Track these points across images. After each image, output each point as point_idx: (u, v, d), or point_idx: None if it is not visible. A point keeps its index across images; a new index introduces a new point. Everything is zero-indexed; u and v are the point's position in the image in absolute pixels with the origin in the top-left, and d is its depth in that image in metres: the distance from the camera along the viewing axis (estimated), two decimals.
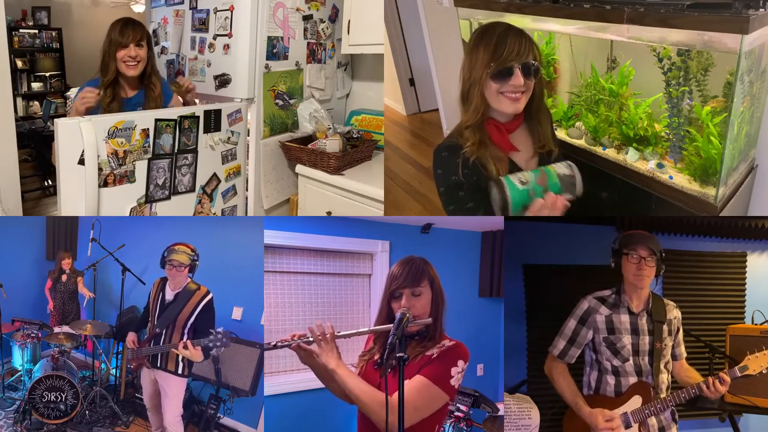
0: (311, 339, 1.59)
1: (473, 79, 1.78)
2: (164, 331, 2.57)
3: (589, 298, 2.18)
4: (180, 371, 2.58)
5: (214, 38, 3.22)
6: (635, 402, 2.09)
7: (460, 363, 1.57)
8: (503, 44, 1.73)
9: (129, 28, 2.59)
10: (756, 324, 2.68)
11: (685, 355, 2.22)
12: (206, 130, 2.84)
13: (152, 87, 2.72)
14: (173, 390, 2.60)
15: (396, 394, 1.42)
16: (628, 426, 2.08)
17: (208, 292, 2.60)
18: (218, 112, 2.90)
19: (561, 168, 1.66)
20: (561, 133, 2.66)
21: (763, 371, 2.06)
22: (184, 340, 2.50)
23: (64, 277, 3.83)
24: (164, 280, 2.65)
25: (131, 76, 2.65)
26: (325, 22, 3.48)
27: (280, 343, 1.61)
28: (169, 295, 2.60)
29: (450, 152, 1.80)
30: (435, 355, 1.58)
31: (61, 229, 4.16)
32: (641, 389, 2.09)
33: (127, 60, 2.60)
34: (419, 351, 1.60)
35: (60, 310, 3.82)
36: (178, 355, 2.54)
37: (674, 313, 2.17)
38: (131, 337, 2.66)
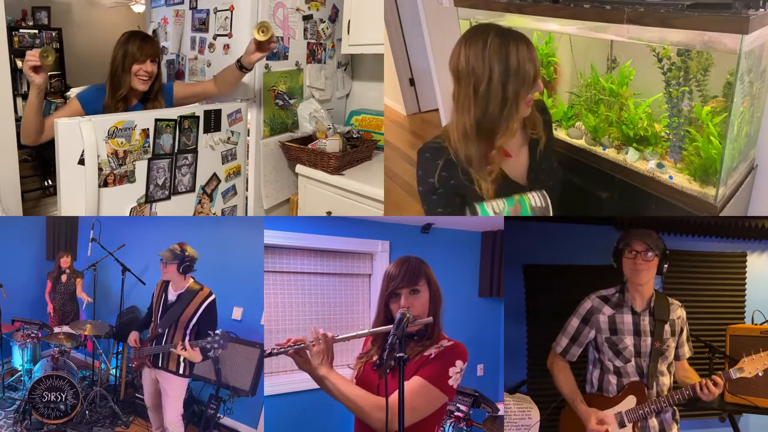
0: (308, 343, 1.58)
1: (518, 98, 1.67)
2: (166, 332, 2.58)
3: (592, 297, 2.18)
4: (181, 371, 2.59)
5: (214, 38, 3.22)
6: (630, 402, 2.09)
7: (459, 363, 1.56)
8: (534, 57, 1.66)
9: (148, 44, 2.60)
10: (756, 324, 2.68)
11: (688, 355, 2.21)
12: (206, 130, 2.84)
13: (157, 105, 2.71)
14: (174, 390, 2.60)
15: (394, 395, 1.41)
16: (622, 425, 2.09)
17: (210, 293, 2.61)
18: (218, 112, 2.90)
19: (535, 199, 1.65)
20: (561, 133, 2.66)
21: (759, 373, 2.05)
22: (186, 340, 2.51)
23: (63, 278, 3.83)
24: (167, 281, 2.66)
25: (141, 90, 2.65)
26: (325, 22, 3.48)
27: (275, 350, 1.60)
28: (172, 295, 2.61)
29: (432, 154, 1.77)
30: (433, 356, 1.57)
31: (61, 229, 4.16)
32: (636, 389, 2.09)
33: (141, 75, 2.60)
34: (417, 351, 1.59)
35: (60, 311, 3.82)
36: (179, 355, 2.54)
37: (678, 312, 2.16)
38: (133, 336, 2.67)
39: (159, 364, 2.59)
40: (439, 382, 1.53)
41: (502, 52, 1.63)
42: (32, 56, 2.36)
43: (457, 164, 1.75)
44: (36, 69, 2.38)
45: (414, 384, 1.53)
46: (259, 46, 2.64)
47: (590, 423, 2.09)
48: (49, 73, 6.41)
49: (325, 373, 1.53)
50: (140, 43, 2.58)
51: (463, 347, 1.60)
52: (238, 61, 2.73)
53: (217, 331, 2.44)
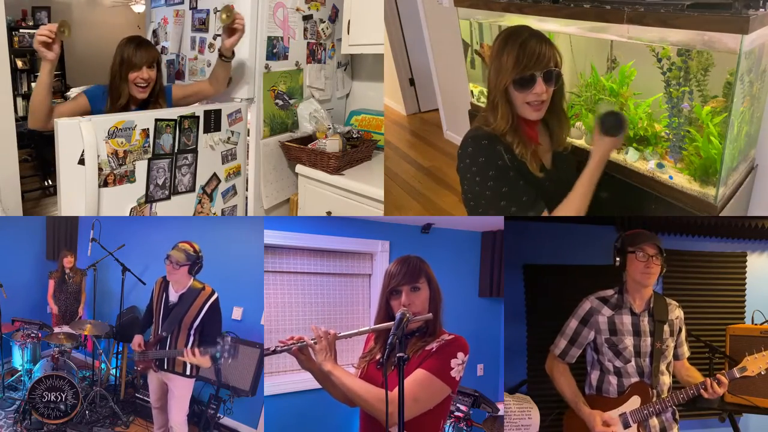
0: (310, 341, 1.59)
1: (498, 87, 1.81)
2: (171, 334, 2.55)
3: (591, 299, 2.18)
4: (188, 372, 2.56)
5: (214, 38, 3.22)
6: (634, 402, 2.09)
7: (460, 355, 1.59)
8: (525, 51, 1.76)
9: (143, 50, 2.56)
10: (756, 324, 2.68)
11: (687, 355, 2.21)
12: (206, 130, 2.84)
13: (158, 107, 2.69)
14: (181, 391, 2.58)
15: (396, 390, 1.43)
16: (627, 426, 2.08)
17: (213, 292, 2.56)
18: (218, 112, 2.90)
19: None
20: None
21: (762, 372, 2.06)
22: (191, 344, 2.49)
23: (68, 278, 3.83)
24: (167, 280, 2.61)
25: (141, 98, 2.62)
26: (325, 22, 3.48)
27: (279, 347, 1.62)
28: (173, 296, 2.56)
29: (490, 140, 1.82)
30: (434, 349, 1.59)
31: (61, 229, 4.16)
32: (640, 390, 2.09)
33: (139, 82, 2.57)
34: (419, 346, 1.61)
35: (66, 312, 3.82)
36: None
37: (676, 312, 2.16)
38: (137, 340, 2.62)
39: (165, 367, 2.56)
40: (442, 373, 1.55)
41: (503, 46, 1.82)
42: (49, 31, 2.25)
43: (511, 148, 1.84)
44: (47, 45, 2.29)
45: (417, 376, 1.55)
46: (228, 30, 2.69)
47: (595, 425, 2.08)
48: None
49: (330, 368, 1.57)
50: (134, 49, 2.54)
51: (463, 340, 1.63)
52: (219, 51, 2.79)
53: (227, 338, 2.39)
